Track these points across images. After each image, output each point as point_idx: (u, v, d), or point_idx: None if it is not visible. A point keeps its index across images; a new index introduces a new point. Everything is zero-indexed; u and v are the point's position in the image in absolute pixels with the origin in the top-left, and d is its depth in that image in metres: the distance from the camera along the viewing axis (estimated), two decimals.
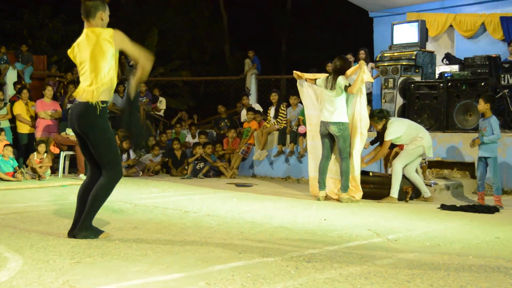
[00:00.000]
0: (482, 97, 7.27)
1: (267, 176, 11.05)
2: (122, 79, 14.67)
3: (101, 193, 4.51)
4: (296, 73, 8.03)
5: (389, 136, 7.50)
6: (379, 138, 7.94)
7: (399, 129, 7.50)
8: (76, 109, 4.52)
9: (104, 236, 4.57)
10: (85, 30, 4.54)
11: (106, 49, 4.41)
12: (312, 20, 25.61)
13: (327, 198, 7.55)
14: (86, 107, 4.42)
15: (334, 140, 7.43)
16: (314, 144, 7.88)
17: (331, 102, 7.35)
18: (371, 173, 8.00)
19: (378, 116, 7.64)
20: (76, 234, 4.50)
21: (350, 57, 11.53)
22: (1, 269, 3.54)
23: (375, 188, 7.64)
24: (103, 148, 4.48)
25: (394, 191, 7.37)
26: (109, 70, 4.44)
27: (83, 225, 4.49)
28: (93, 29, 4.49)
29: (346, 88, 7.20)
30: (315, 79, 7.70)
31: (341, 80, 7.24)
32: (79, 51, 4.53)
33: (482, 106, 7.16)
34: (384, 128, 7.60)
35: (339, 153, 7.41)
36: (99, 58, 4.41)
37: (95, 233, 4.55)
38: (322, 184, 7.53)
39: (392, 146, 7.81)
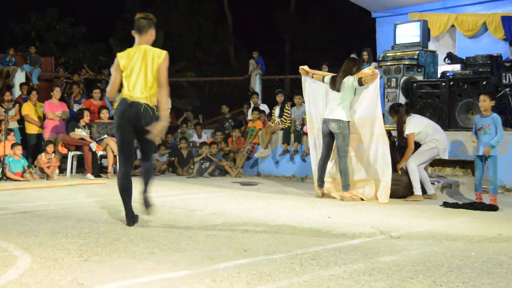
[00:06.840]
0: (487, 94, 6.92)
1: (272, 175, 11.10)
2: None
3: (152, 170, 5.05)
4: (303, 68, 7.99)
5: (409, 131, 7.50)
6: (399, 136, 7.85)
7: (419, 125, 7.56)
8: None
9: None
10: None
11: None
12: (315, 20, 25.64)
13: (324, 196, 7.63)
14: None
15: (334, 139, 7.46)
16: (315, 142, 7.92)
17: (335, 101, 7.37)
18: None
19: (394, 109, 7.79)
20: (150, 211, 4.97)
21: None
22: (11, 267, 3.55)
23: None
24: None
25: (417, 189, 7.44)
26: None
27: (149, 198, 4.97)
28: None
29: (359, 82, 7.21)
30: (323, 76, 7.72)
31: (350, 80, 7.26)
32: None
33: (488, 103, 6.83)
34: (400, 124, 7.65)
35: (337, 151, 7.42)
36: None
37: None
38: (320, 182, 7.61)
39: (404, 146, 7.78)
